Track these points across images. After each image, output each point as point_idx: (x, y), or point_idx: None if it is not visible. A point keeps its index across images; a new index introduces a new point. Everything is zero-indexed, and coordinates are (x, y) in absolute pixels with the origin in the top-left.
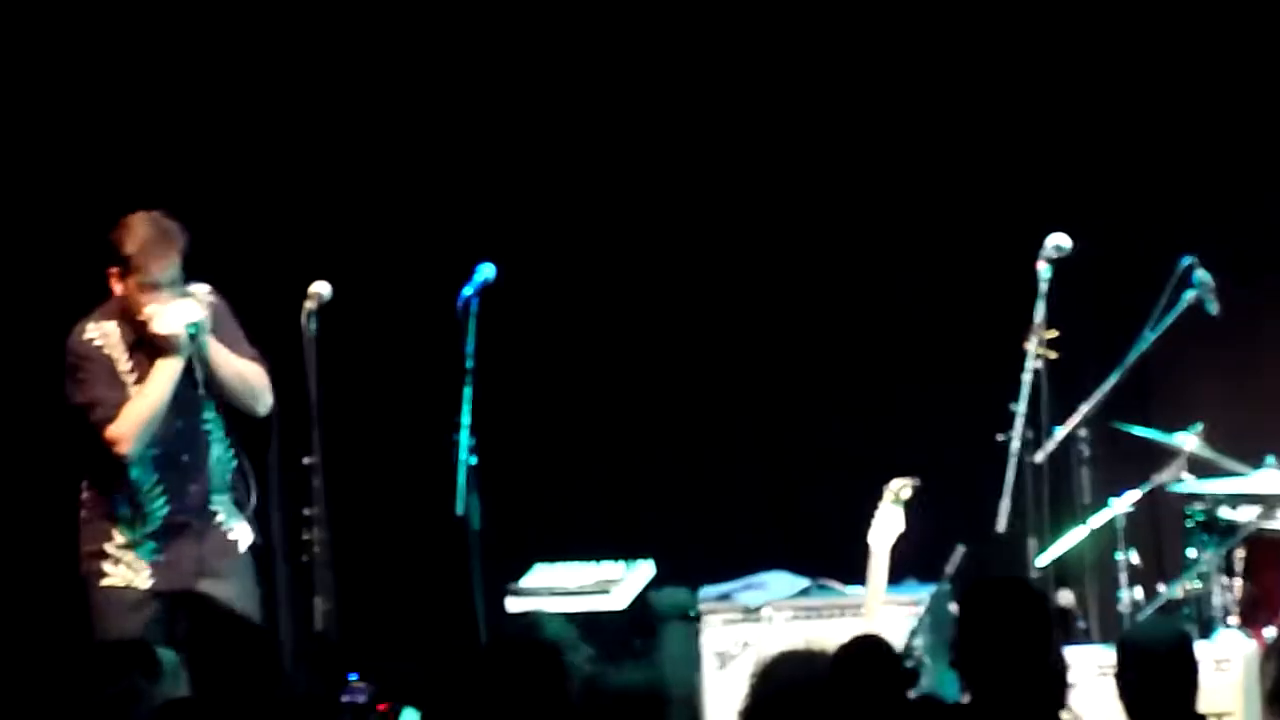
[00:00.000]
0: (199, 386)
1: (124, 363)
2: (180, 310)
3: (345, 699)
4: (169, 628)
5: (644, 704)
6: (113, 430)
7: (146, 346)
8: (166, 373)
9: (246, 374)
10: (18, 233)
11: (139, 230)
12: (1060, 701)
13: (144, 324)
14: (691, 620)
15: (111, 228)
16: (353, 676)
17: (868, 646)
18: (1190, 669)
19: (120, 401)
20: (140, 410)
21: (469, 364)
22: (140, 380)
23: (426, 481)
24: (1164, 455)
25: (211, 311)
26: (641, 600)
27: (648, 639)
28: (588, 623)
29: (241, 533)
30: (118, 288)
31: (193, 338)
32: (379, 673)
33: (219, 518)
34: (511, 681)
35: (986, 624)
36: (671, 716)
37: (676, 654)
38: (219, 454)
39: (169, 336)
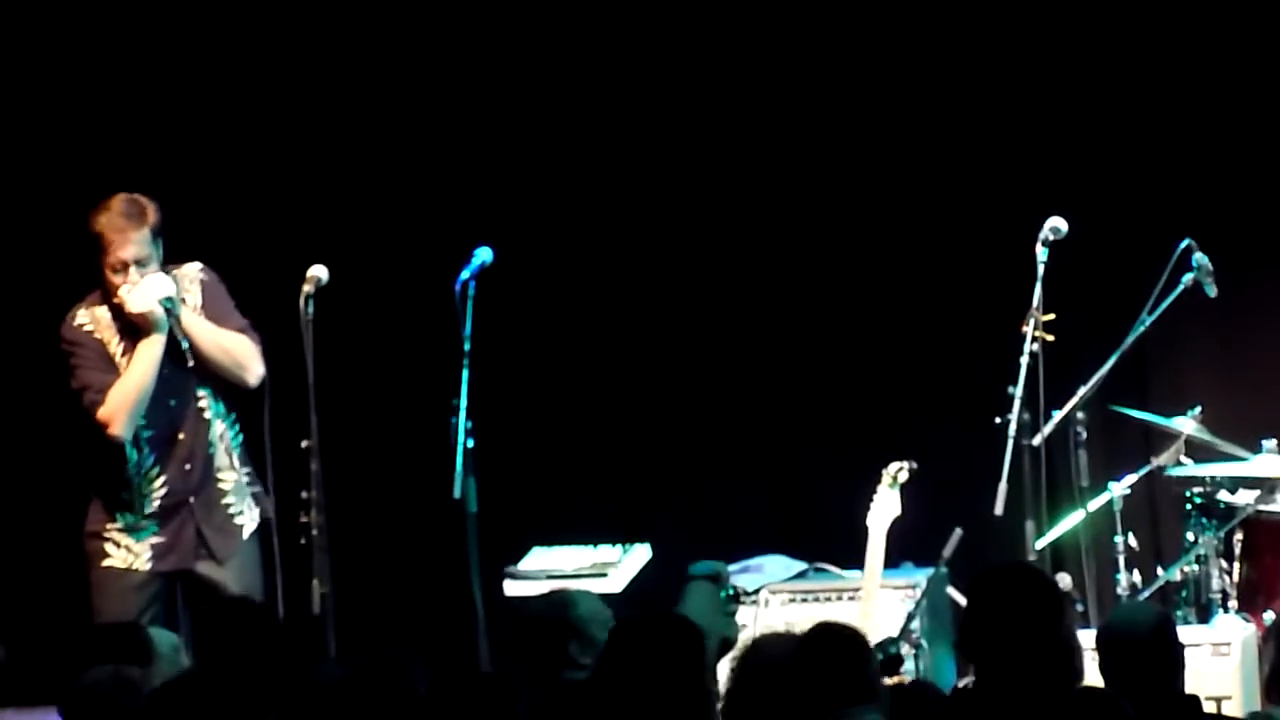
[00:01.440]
0: (187, 362)
1: (114, 344)
2: (152, 286)
3: None
4: (169, 607)
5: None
6: (102, 413)
7: (134, 327)
8: (149, 351)
9: (228, 345)
10: (24, 222)
11: (106, 210)
12: (1076, 677)
13: (121, 303)
14: (720, 580)
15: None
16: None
17: (833, 634)
18: (1171, 651)
19: (102, 384)
20: (126, 390)
21: (466, 347)
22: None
23: (423, 465)
24: (1162, 438)
25: (201, 288)
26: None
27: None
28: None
29: (248, 514)
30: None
31: (168, 311)
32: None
33: (225, 498)
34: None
35: (996, 609)
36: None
37: (698, 609)
38: (220, 432)
39: (145, 314)
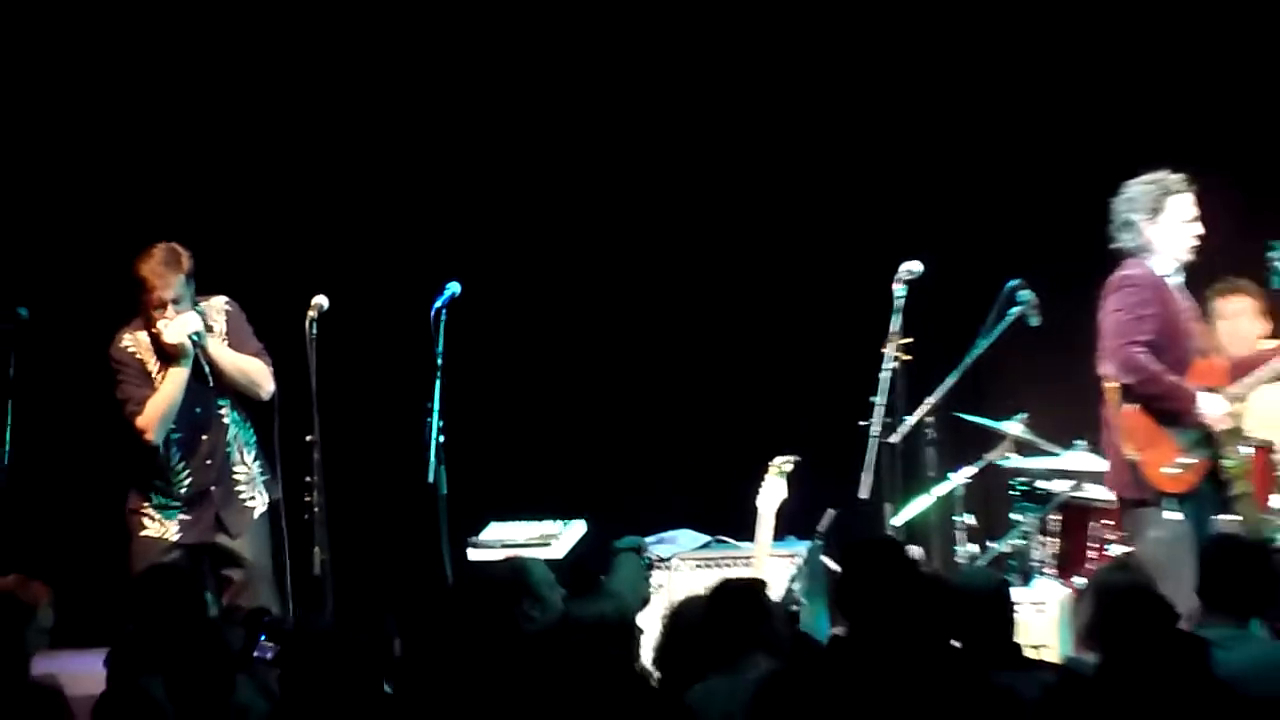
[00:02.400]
0: (209, 381)
1: (152, 364)
2: (184, 322)
3: (256, 655)
4: (191, 570)
5: (614, 629)
6: (140, 421)
7: (168, 353)
8: (178, 374)
9: (247, 368)
10: (78, 258)
11: (150, 258)
12: (946, 633)
13: (159, 334)
14: (641, 552)
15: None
16: (262, 637)
17: (734, 587)
18: (1007, 609)
19: (141, 398)
20: (159, 404)
21: (439, 362)
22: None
23: (404, 455)
24: (994, 438)
25: (225, 318)
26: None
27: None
28: (560, 566)
29: (259, 499)
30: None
31: (195, 344)
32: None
33: (238, 486)
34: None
35: (863, 574)
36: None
37: (627, 576)
38: (234, 434)
39: (177, 345)
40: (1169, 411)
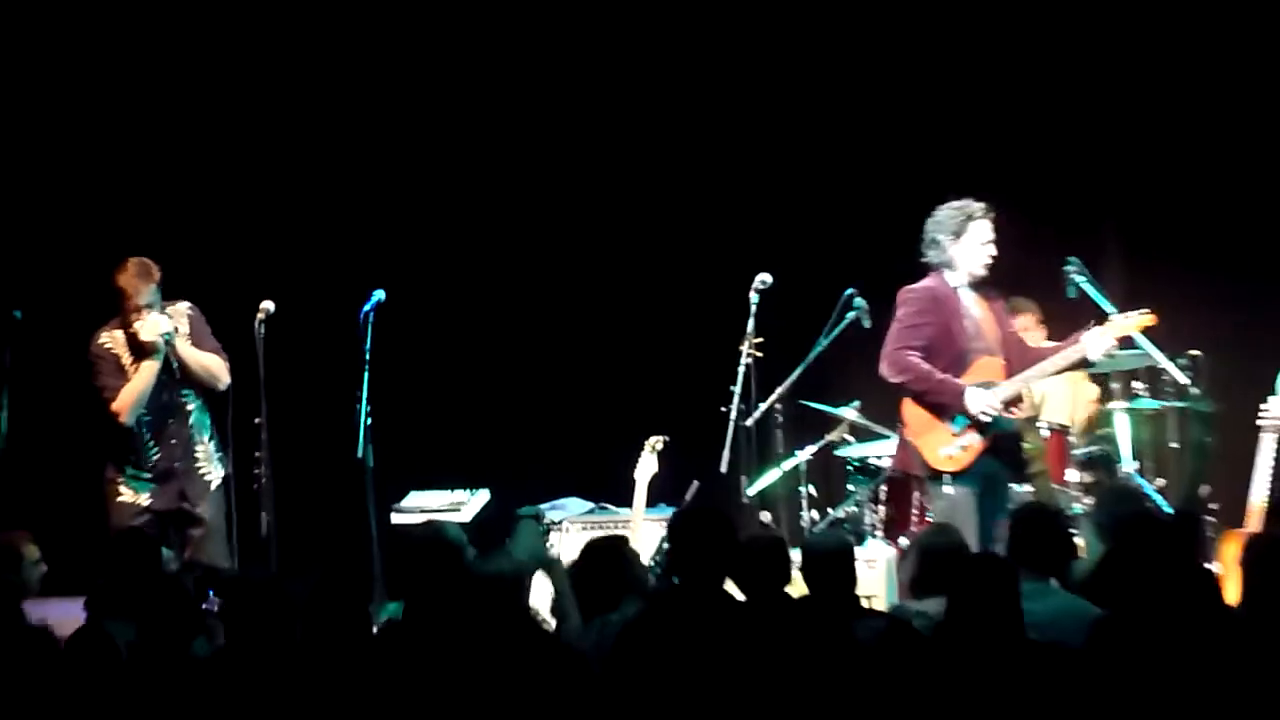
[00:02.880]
0: (176, 374)
1: (126, 358)
2: (156, 323)
3: (204, 607)
4: (160, 532)
5: (510, 582)
6: (115, 406)
7: (141, 349)
8: (150, 368)
9: (208, 364)
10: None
11: (126, 269)
12: (783, 579)
13: (135, 333)
14: (539, 519)
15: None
16: (210, 592)
17: (599, 545)
18: (850, 565)
19: (122, 387)
20: (131, 392)
21: (366, 357)
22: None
23: (337, 435)
24: (832, 421)
25: (188, 321)
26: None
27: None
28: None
29: (215, 473)
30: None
31: (167, 342)
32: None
33: (198, 462)
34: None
35: (689, 536)
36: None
37: (526, 538)
38: (196, 419)
39: (150, 342)
40: (937, 404)
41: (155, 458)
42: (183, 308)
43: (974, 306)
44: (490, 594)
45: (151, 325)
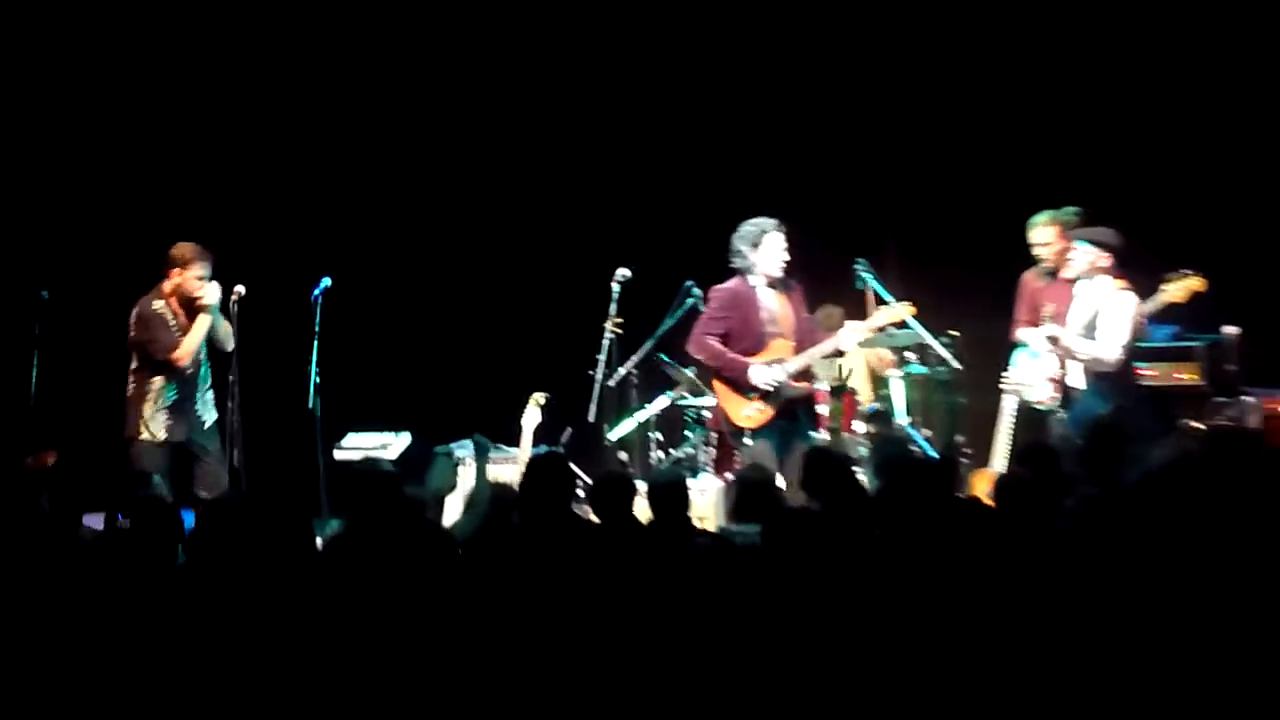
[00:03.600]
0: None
1: (171, 320)
2: (214, 289)
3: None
4: (172, 462)
5: (430, 505)
6: (176, 354)
7: (185, 312)
8: (204, 322)
9: (228, 329)
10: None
11: (193, 248)
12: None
13: (191, 298)
14: (450, 456)
15: (169, 248)
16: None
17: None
18: (684, 495)
19: (171, 341)
20: (191, 342)
21: (316, 329)
22: (181, 331)
23: (294, 390)
24: (675, 382)
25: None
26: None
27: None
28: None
29: (210, 414)
30: (173, 277)
31: (216, 307)
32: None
33: (198, 405)
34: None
35: (539, 478)
36: (438, 512)
37: (440, 471)
38: (204, 371)
39: (209, 304)
40: (732, 378)
41: (174, 398)
42: (220, 294)
43: (771, 300)
44: (413, 513)
45: (212, 290)
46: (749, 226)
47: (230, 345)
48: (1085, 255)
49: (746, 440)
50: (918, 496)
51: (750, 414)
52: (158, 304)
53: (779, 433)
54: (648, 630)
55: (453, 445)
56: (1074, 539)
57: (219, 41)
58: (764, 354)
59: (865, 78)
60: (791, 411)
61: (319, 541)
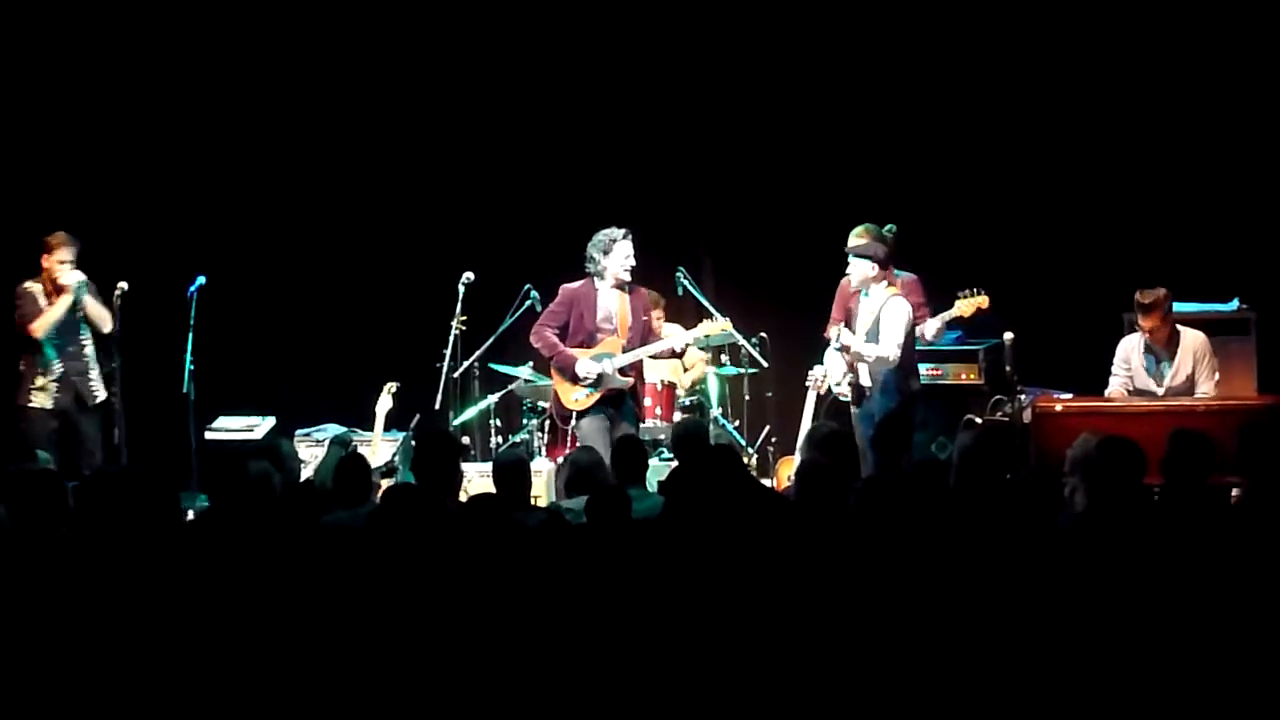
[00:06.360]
0: (79, 313)
1: (41, 298)
2: (74, 274)
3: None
4: (59, 431)
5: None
6: (33, 325)
7: (57, 294)
8: (63, 302)
9: (102, 313)
10: None
11: (59, 236)
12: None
13: (56, 280)
14: (343, 445)
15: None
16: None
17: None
18: (525, 474)
19: (35, 315)
20: (47, 317)
21: (191, 322)
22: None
23: (170, 375)
24: (510, 379)
25: (89, 285)
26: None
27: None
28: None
29: (100, 390)
30: (45, 263)
31: (77, 288)
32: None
33: (89, 381)
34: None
35: (432, 455)
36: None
37: (331, 459)
38: (89, 350)
39: (68, 285)
40: (562, 367)
41: (60, 373)
42: (83, 277)
43: (612, 301)
44: (298, 498)
45: (70, 274)
46: (601, 235)
47: (107, 327)
48: (859, 269)
49: (571, 422)
50: (704, 474)
51: (578, 398)
52: (31, 284)
53: (601, 417)
54: (492, 600)
55: (310, 429)
56: (858, 514)
57: (104, 51)
58: (594, 349)
59: (686, 99)
60: (618, 399)
61: (189, 514)
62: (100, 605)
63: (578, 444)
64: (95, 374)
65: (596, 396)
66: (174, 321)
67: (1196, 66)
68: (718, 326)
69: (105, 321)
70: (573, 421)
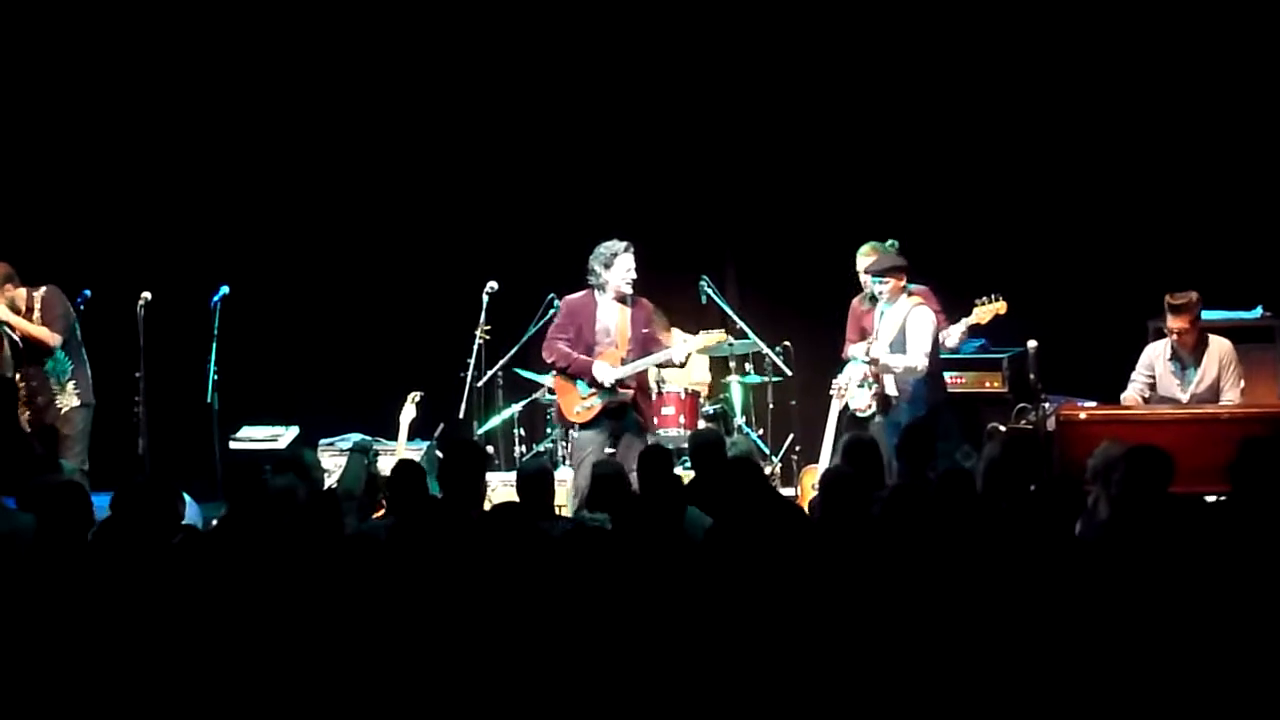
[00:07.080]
0: (19, 343)
1: None
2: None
3: None
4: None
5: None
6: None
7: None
8: None
9: (36, 334)
10: None
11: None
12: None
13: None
14: (363, 453)
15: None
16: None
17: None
18: (550, 483)
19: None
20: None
21: (215, 332)
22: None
23: (195, 384)
24: (536, 386)
25: (40, 301)
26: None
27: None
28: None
29: (71, 403)
30: None
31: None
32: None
33: (55, 396)
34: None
35: (453, 460)
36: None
37: (353, 467)
38: (51, 367)
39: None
40: (573, 374)
41: (23, 394)
42: (40, 291)
43: (613, 314)
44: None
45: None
46: (603, 248)
47: (52, 343)
48: (881, 287)
49: (574, 432)
50: (729, 487)
51: (580, 410)
52: None
53: (604, 427)
54: (516, 609)
55: (335, 438)
56: (883, 523)
57: (130, 62)
58: (598, 358)
59: (710, 111)
60: (619, 412)
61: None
62: (124, 613)
63: (574, 455)
64: (63, 388)
65: (599, 408)
66: (198, 331)
67: (1220, 75)
68: (715, 337)
69: (44, 340)
70: (574, 431)
